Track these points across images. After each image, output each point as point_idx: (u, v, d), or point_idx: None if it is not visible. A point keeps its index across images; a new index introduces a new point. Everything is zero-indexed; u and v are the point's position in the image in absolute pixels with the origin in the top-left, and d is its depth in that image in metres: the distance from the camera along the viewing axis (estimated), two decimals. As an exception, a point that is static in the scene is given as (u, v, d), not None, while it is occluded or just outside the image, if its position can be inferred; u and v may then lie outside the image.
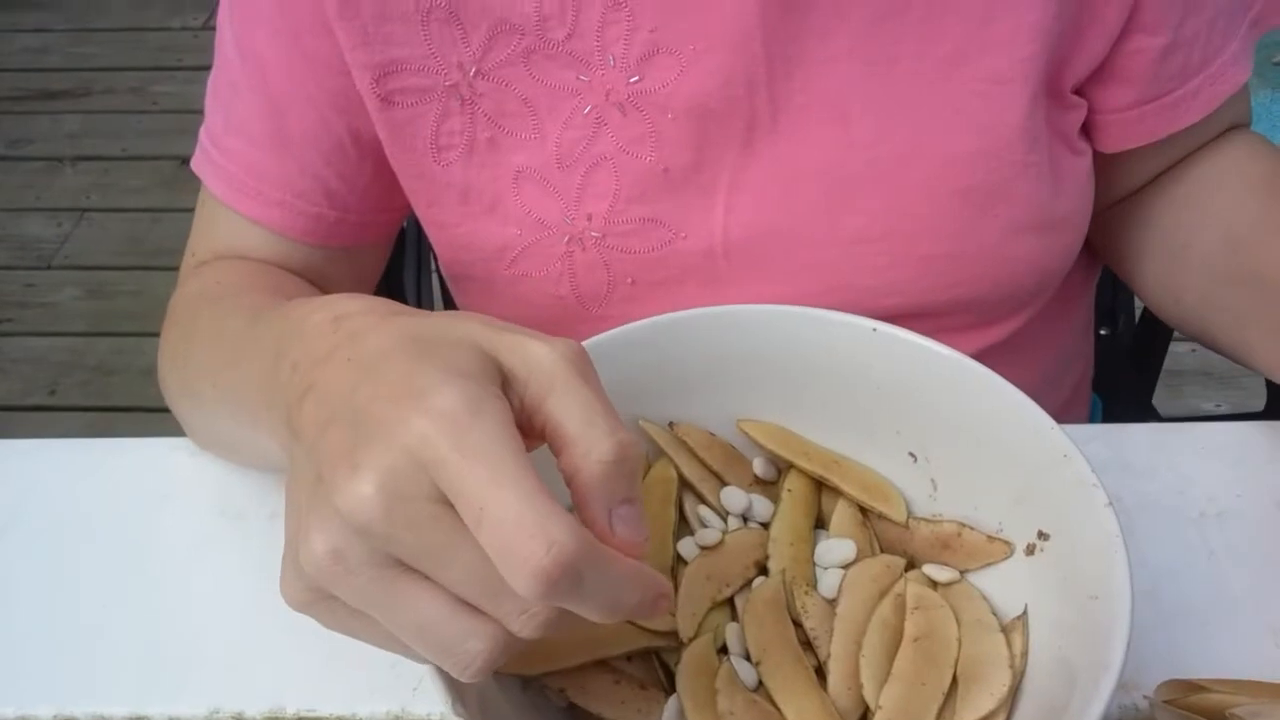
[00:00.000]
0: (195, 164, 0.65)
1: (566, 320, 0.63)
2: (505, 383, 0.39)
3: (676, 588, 0.51)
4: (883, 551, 0.53)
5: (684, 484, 0.55)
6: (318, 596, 0.38)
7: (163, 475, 0.65)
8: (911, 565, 0.52)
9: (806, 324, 0.54)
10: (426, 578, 0.36)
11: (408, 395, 0.36)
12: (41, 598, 0.59)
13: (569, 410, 0.38)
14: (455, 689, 0.42)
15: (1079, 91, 0.63)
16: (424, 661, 0.39)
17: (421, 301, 0.94)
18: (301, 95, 0.61)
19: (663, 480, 0.55)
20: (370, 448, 0.36)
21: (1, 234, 2.17)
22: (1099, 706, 0.41)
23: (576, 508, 0.39)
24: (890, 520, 0.53)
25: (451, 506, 0.36)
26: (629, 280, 0.62)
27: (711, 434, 0.56)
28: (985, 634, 0.47)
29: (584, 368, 0.40)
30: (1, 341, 1.99)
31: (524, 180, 0.61)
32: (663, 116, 0.59)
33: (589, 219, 0.61)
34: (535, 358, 0.39)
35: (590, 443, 0.38)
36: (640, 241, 0.61)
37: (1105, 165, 0.67)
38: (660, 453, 0.55)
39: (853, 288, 0.62)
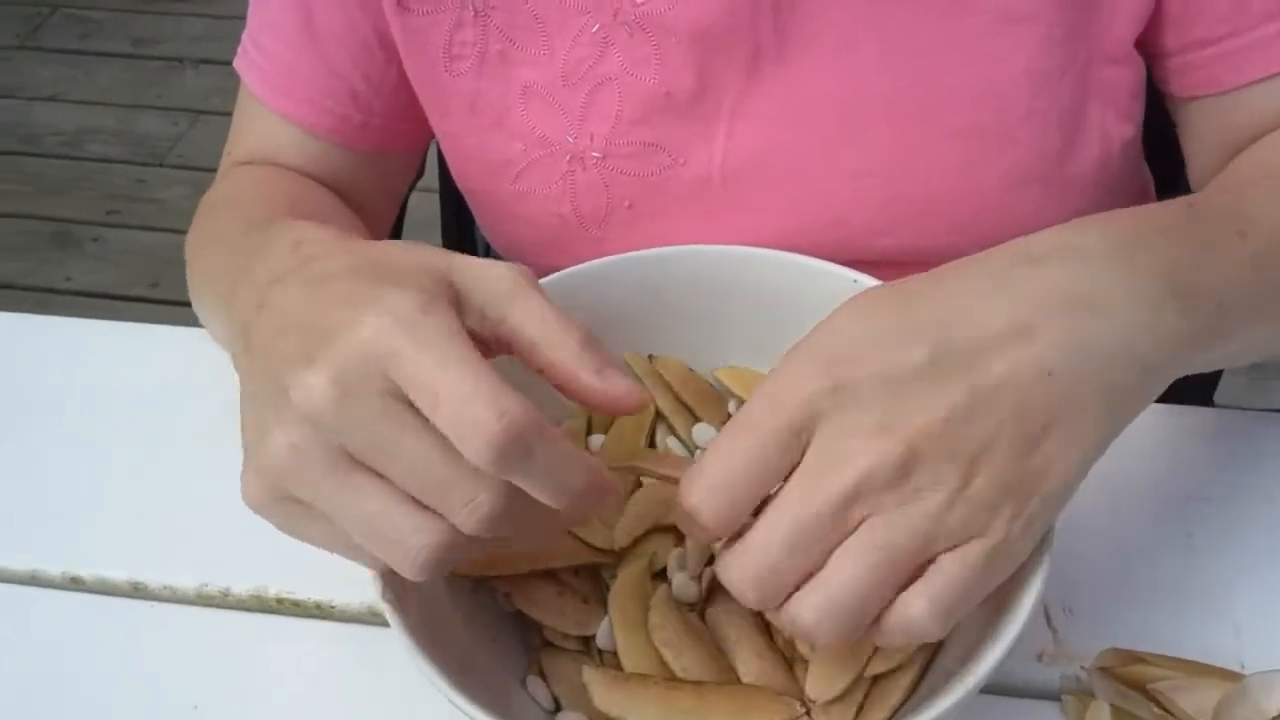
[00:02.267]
0: (237, 62, 0.68)
1: (566, 239, 0.65)
2: (460, 301, 0.42)
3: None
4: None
5: (659, 415, 0.57)
6: (276, 497, 0.41)
7: (187, 362, 0.68)
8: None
9: (788, 269, 0.55)
10: (379, 475, 0.39)
11: (361, 301, 0.39)
12: (66, 468, 0.64)
13: (532, 315, 0.42)
14: (394, 583, 0.44)
15: (1141, 46, 0.61)
16: (377, 565, 0.42)
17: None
18: None
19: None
20: (325, 346, 0.39)
21: (119, 129, 2.26)
22: (1016, 627, 0.42)
23: (565, 391, 0.42)
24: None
25: (403, 402, 0.38)
26: (627, 204, 0.63)
27: (690, 370, 0.57)
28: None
29: (536, 283, 0.43)
30: (108, 232, 2.08)
31: (531, 96, 0.62)
32: (667, 39, 0.60)
33: (591, 139, 0.62)
34: (492, 275, 0.42)
35: (558, 334, 0.41)
36: (640, 165, 0.63)
37: (1213, 115, 0.63)
38: (639, 383, 0.57)
39: (850, 224, 0.62)
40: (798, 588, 0.40)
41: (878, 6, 0.59)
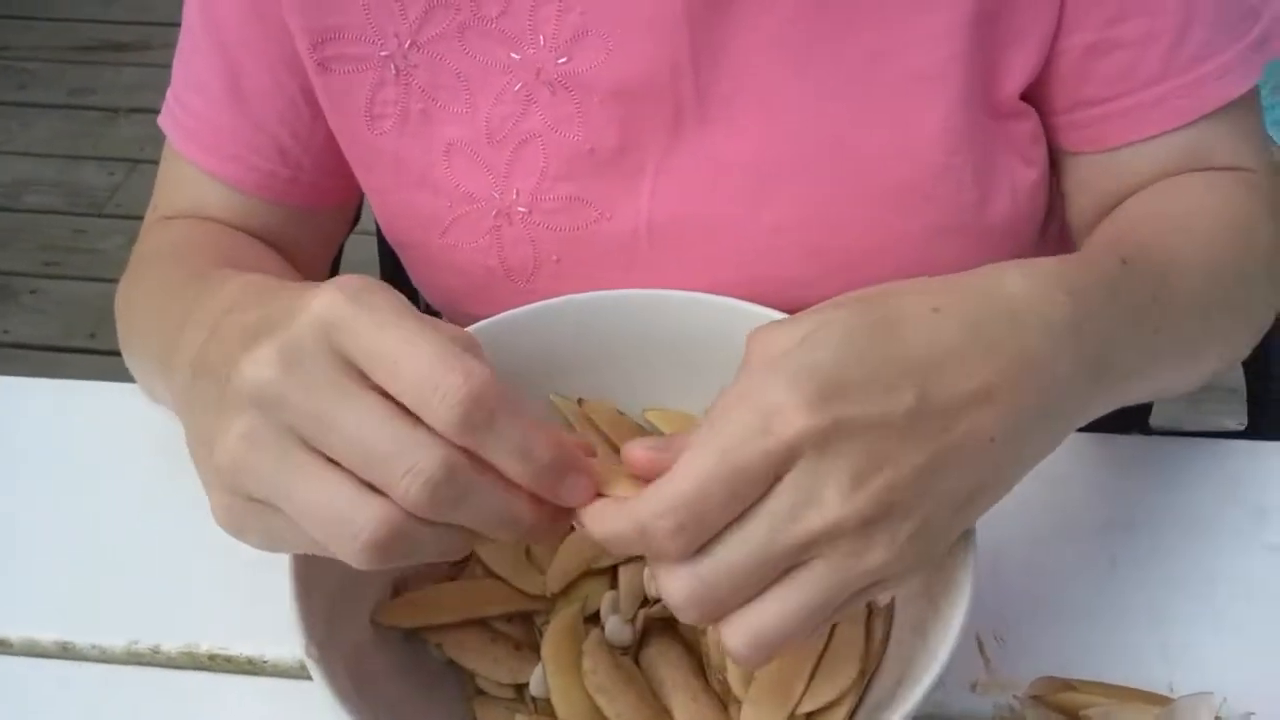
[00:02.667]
0: (161, 120, 0.68)
1: (495, 290, 0.65)
2: None
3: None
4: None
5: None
6: (239, 500, 0.40)
7: (116, 419, 0.68)
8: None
9: (721, 313, 0.55)
10: (329, 460, 0.38)
11: (307, 290, 0.39)
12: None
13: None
14: (320, 636, 0.44)
15: (1027, 98, 0.64)
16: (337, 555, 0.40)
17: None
18: (254, 54, 0.64)
19: (568, 454, 0.56)
20: (272, 330, 0.39)
21: (57, 179, 2.23)
22: (944, 657, 0.42)
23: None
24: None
25: (352, 373, 0.38)
26: (554, 258, 0.64)
27: (620, 412, 0.58)
28: (846, 623, 0.48)
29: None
30: (47, 284, 2.05)
31: (455, 153, 0.63)
32: (589, 97, 0.60)
33: (516, 194, 0.63)
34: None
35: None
36: (566, 219, 0.63)
37: (1096, 168, 0.65)
38: (569, 428, 0.57)
39: (773, 279, 0.63)
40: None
41: (794, 65, 0.60)
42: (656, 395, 0.58)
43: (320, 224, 0.71)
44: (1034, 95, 0.64)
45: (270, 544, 0.41)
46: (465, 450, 0.38)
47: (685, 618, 0.40)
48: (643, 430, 0.58)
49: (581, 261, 0.64)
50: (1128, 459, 0.63)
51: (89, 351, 1.94)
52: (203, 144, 0.66)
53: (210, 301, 0.47)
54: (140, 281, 0.64)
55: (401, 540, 0.38)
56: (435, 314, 0.97)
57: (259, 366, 0.38)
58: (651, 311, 0.57)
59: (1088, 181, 0.66)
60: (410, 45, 0.61)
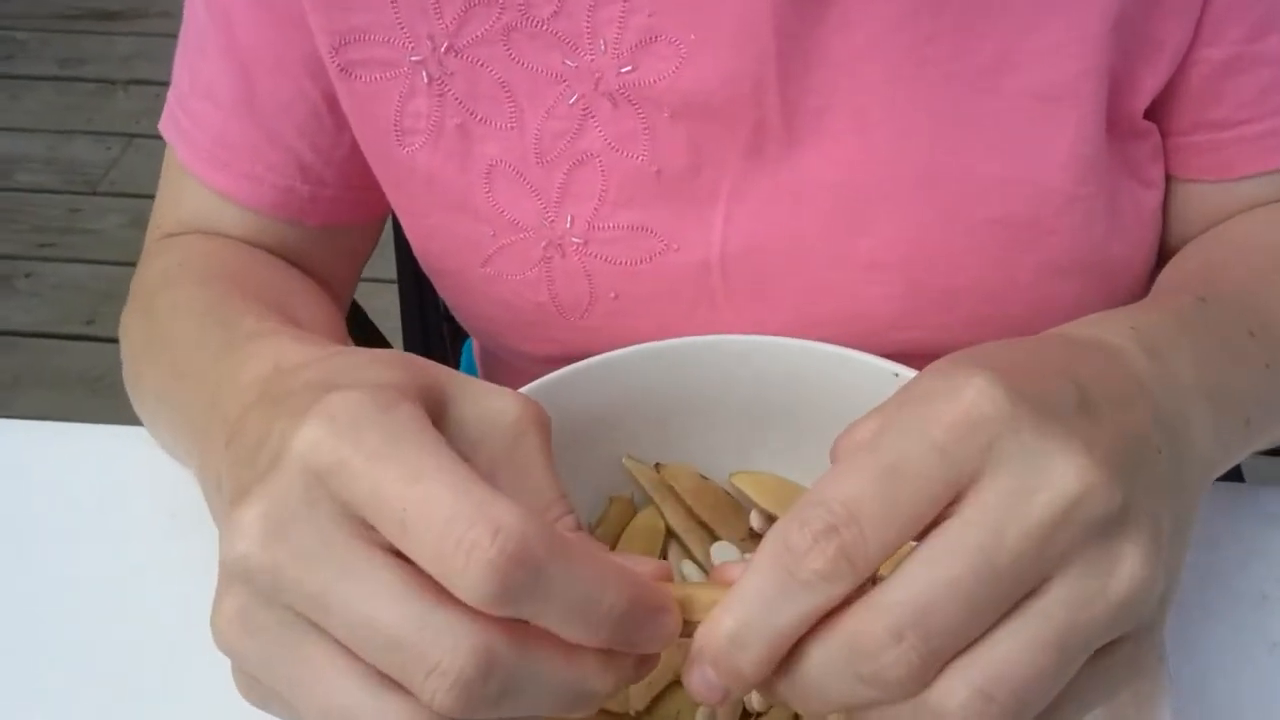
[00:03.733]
0: (163, 128, 0.60)
1: (546, 324, 0.57)
2: (446, 419, 0.33)
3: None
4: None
5: (670, 534, 0.49)
6: (240, 674, 0.33)
7: (116, 468, 0.59)
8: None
9: (817, 361, 0.47)
10: (339, 645, 0.30)
11: (303, 410, 0.31)
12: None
13: (534, 466, 0.34)
14: None
15: (1150, 114, 0.55)
16: None
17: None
18: (270, 57, 0.55)
19: (647, 531, 0.49)
20: (261, 478, 0.31)
21: (49, 156, 2.14)
22: None
23: None
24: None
25: (355, 529, 0.30)
26: (612, 294, 0.56)
27: (703, 478, 0.50)
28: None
29: (548, 437, 0.35)
30: (42, 266, 1.97)
31: (497, 175, 0.54)
32: (658, 113, 0.52)
33: (570, 223, 0.54)
34: (495, 402, 0.34)
35: (559, 502, 0.34)
36: (627, 251, 0.55)
37: (1207, 198, 0.58)
38: (646, 498, 0.49)
39: (863, 317, 0.55)
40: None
41: (896, 78, 0.51)
42: (741, 456, 0.50)
43: (344, 241, 0.63)
44: (1151, 112, 0.56)
45: None
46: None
47: (889, 680, 0.30)
48: (728, 498, 0.50)
49: (643, 298, 0.56)
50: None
51: (87, 339, 1.86)
52: (213, 160, 0.58)
53: (231, 387, 0.40)
54: (149, 318, 0.55)
55: None
56: (462, 336, 0.90)
57: (243, 538, 0.30)
58: (733, 359, 0.49)
59: (1196, 213, 0.58)
60: (446, 49, 0.52)
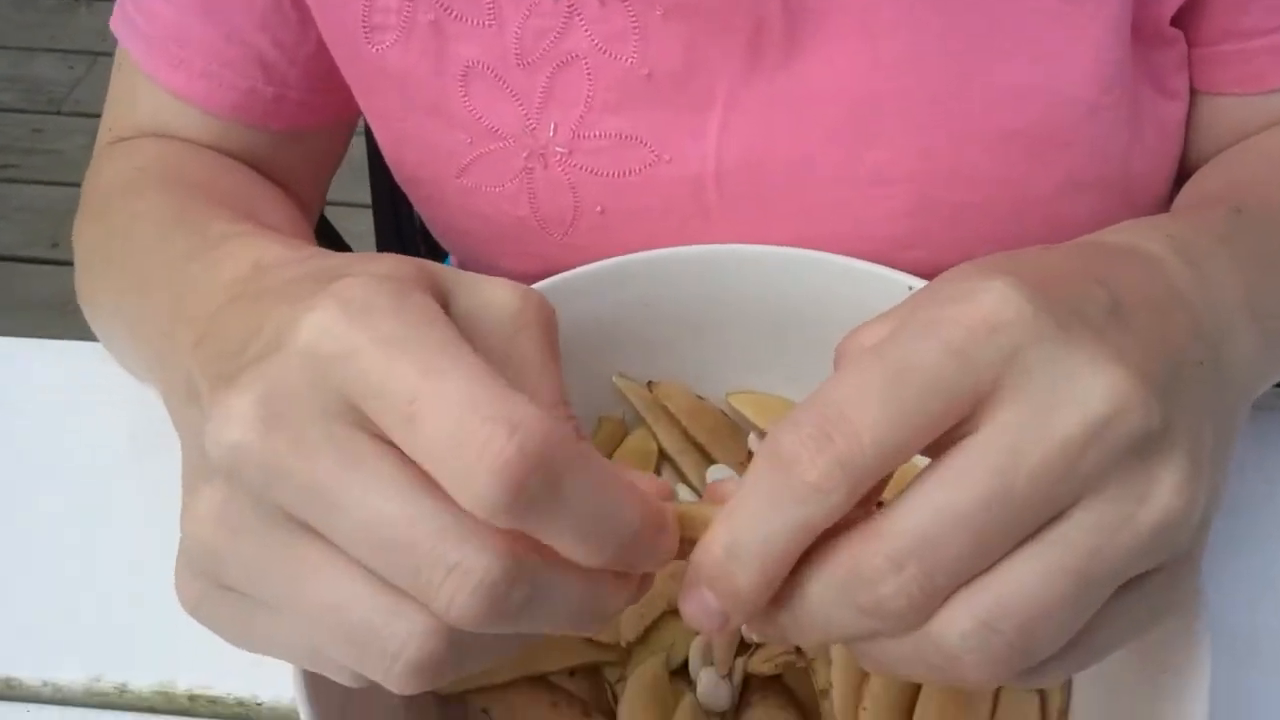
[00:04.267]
0: (114, 23, 0.55)
1: (526, 240, 0.53)
2: (448, 310, 0.30)
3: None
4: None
5: (663, 457, 0.46)
6: (210, 586, 0.29)
7: (74, 383, 0.56)
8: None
9: (824, 273, 0.44)
10: (337, 547, 0.27)
11: (305, 296, 0.28)
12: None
13: (535, 359, 0.30)
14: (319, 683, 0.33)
15: (1176, 23, 0.52)
16: (356, 680, 0.29)
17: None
18: None
19: (639, 453, 0.45)
20: (255, 363, 0.28)
21: (11, 74, 2.08)
22: None
23: None
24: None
25: (360, 429, 0.27)
26: (598, 209, 0.52)
27: (699, 398, 0.47)
28: (1016, 694, 0.38)
29: (552, 333, 0.31)
30: (4, 188, 1.91)
31: (475, 78, 0.50)
32: (650, 10, 0.48)
33: (553, 130, 0.50)
34: (498, 292, 0.31)
35: (558, 392, 0.31)
36: (614, 162, 0.51)
37: (1233, 112, 0.54)
38: (638, 419, 0.46)
39: (867, 236, 0.51)
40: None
41: None
42: (740, 374, 0.47)
43: (311, 146, 0.59)
44: (1178, 20, 0.52)
45: (252, 645, 0.30)
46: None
47: (886, 608, 0.27)
48: (725, 419, 0.47)
49: (631, 213, 0.52)
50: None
51: (51, 262, 1.81)
52: (168, 58, 0.53)
53: (205, 288, 0.36)
54: (105, 225, 0.51)
55: (453, 658, 0.27)
56: (439, 256, 0.86)
57: (231, 423, 0.26)
58: (738, 272, 0.45)
59: (1223, 128, 0.54)
60: None
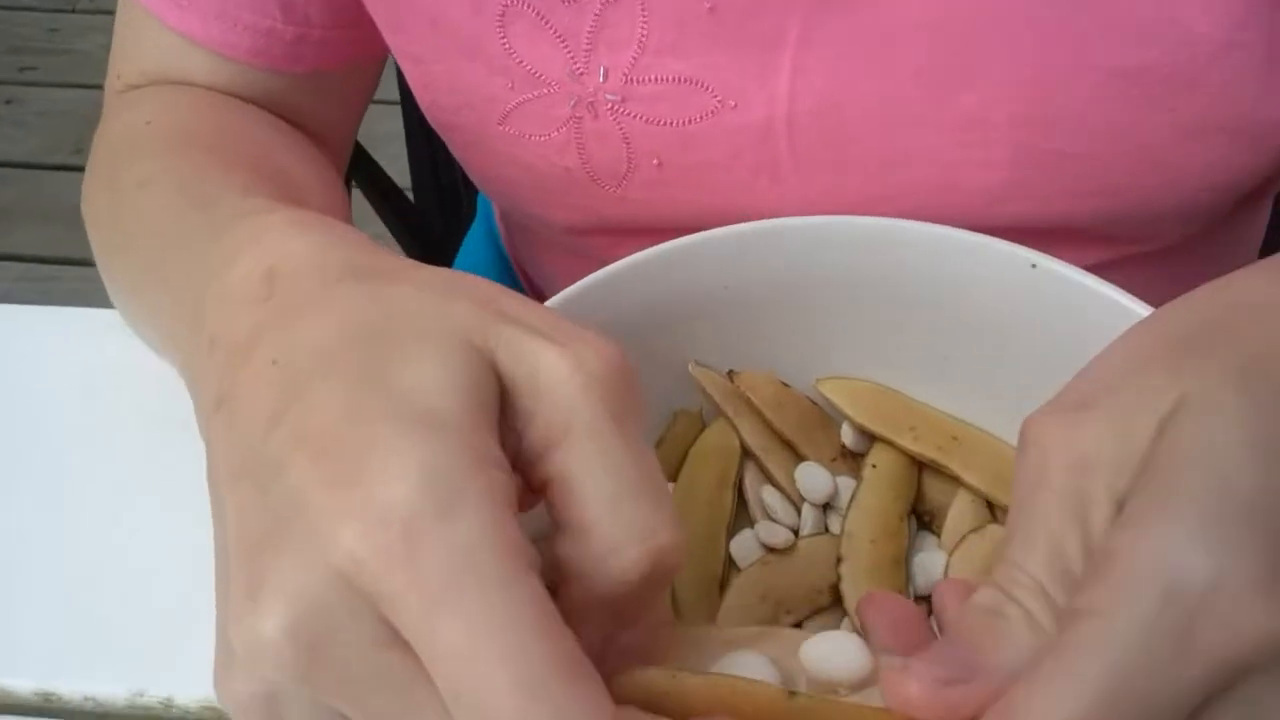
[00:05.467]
0: None
1: (575, 193, 0.49)
2: (504, 403, 0.27)
3: (721, 599, 0.38)
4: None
5: (747, 455, 0.41)
6: None
7: (96, 359, 0.52)
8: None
9: (931, 247, 0.39)
10: None
11: (344, 474, 0.25)
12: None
13: (589, 476, 0.27)
14: None
15: None
16: None
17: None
18: None
19: (718, 450, 0.41)
20: (281, 554, 0.25)
21: (22, -30, 2.01)
22: None
23: (564, 612, 0.26)
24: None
25: (409, 652, 0.25)
26: (655, 161, 0.47)
27: (786, 386, 0.42)
28: None
29: (621, 400, 0.28)
30: (23, 92, 1.87)
31: (514, 16, 0.44)
32: None
33: (604, 75, 0.45)
34: (550, 377, 0.27)
35: (612, 542, 0.26)
36: (673, 109, 0.45)
37: None
38: (717, 412, 0.41)
39: (961, 188, 0.46)
40: None
41: None
42: (828, 359, 0.42)
43: (338, 88, 0.54)
44: None
45: None
46: None
47: None
48: (817, 410, 0.42)
49: (692, 166, 0.47)
50: None
51: (76, 169, 1.76)
52: None
53: (218, 291, 0.32)
54: (113, 194, 0.47)
55: None
56: (465, 198, 0.81)
57: (260, 645, 0.25)
58: (822, 246, 0.40)
59: None
60: None
